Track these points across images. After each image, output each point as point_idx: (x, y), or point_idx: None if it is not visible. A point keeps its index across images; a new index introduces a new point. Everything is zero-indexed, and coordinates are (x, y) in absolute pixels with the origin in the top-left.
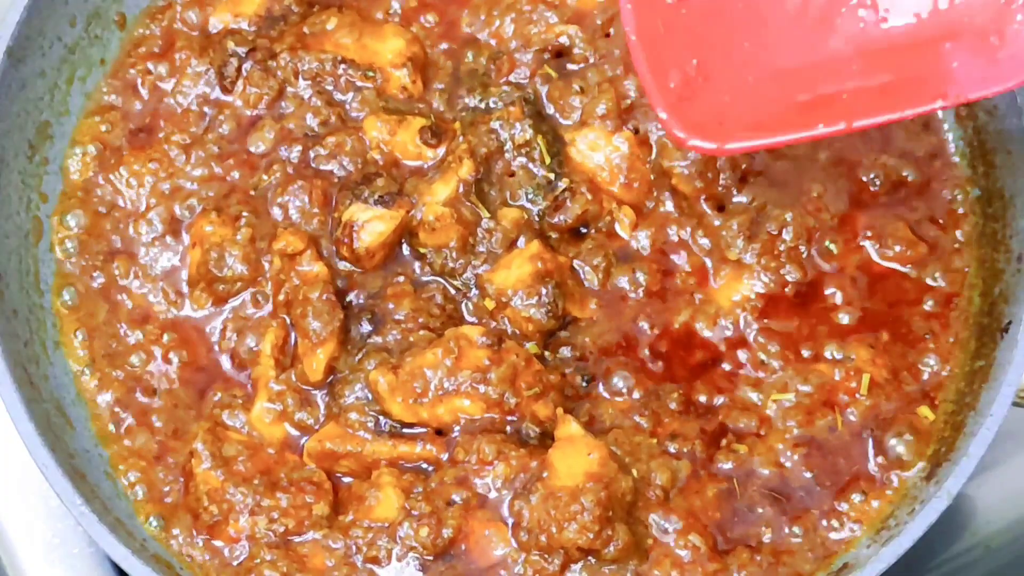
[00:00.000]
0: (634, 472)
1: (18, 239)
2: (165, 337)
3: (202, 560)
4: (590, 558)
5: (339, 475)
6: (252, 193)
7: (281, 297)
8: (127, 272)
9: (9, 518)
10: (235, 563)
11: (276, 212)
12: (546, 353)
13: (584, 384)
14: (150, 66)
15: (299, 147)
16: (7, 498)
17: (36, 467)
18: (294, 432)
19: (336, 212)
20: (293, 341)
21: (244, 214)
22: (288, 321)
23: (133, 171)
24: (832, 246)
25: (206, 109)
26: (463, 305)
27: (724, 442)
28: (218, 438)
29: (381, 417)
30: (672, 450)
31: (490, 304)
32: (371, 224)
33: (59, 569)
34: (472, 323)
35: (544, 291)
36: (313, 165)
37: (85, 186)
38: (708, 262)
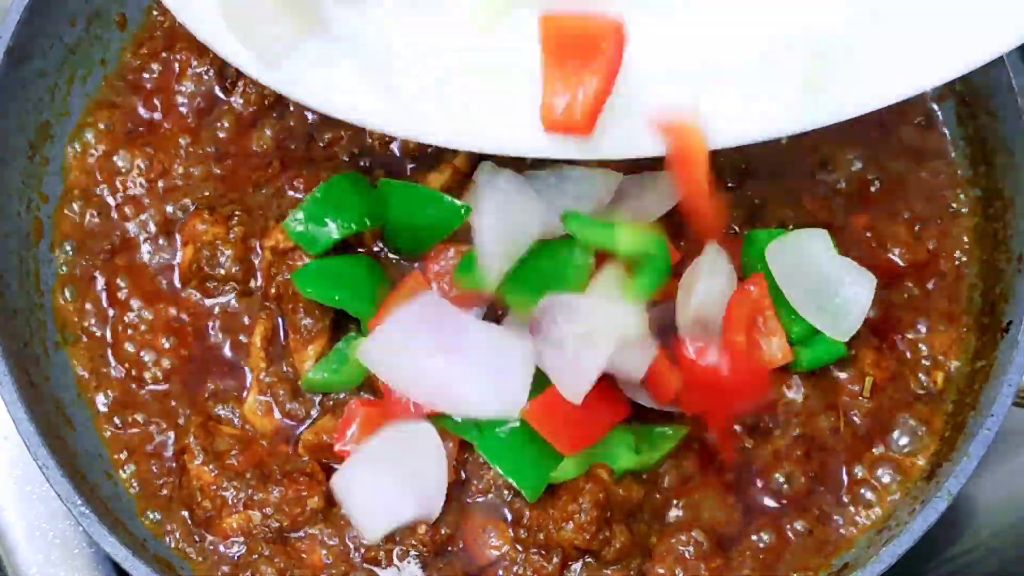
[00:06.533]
0: None
1: (18, 239)
2: (163, 335)
3: (200, 557)
4: (590, 557)
5: (334, 465)
6: (251, 191)
7: (272, 290)
8: (126, 271)
9: (9, 518)
10: (233, 559)
11: (270, 208)
12: None
13: None
14: (150, 66)
15: (297, 143)
16: (7, 498)
17: (36, 467)
18: (287, 423)
19: None
20: (283, 334)
21: (236, 213)
22: (277, 314)
23: (133, 171)
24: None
25: (205, 109)
26: None
27: None
28: (210, 432)
29: None
30: None
31: None
32: None
33: (59, 569)
34: None
35: None
36: (309, 159)
37: (85, 186)
38: None
